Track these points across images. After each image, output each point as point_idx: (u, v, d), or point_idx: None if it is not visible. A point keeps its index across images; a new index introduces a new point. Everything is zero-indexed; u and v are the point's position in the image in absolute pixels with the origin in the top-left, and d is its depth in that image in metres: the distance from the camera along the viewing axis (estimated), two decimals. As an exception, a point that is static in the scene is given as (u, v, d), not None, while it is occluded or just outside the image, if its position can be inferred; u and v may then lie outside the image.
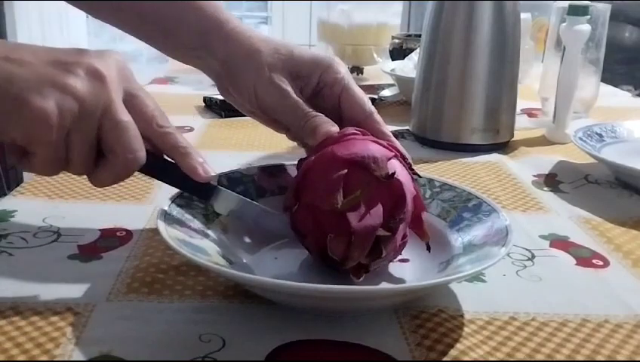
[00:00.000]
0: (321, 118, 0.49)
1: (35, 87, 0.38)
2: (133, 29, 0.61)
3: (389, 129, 0.51)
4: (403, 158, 0.46)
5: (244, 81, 0.54)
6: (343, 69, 0.53)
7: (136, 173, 0.43)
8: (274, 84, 0.51)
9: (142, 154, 0.42)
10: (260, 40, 0.54)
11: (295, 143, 0.56)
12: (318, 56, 0.54)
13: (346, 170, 0.42)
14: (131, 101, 0.42)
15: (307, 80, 0.52)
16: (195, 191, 0.46)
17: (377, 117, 0.51)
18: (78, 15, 2.50)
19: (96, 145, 0.41)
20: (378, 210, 0.41)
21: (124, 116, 0.41)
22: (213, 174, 0.45)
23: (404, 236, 0.43)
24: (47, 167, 0.41)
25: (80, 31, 2.51)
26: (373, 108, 0.52)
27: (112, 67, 0.41)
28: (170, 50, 0.60)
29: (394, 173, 0.42)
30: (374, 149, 0.43)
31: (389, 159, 0.43)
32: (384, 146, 0.45)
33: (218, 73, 0.56)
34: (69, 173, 0.42)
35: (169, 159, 0.45)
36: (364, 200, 0.41)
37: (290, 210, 0.44)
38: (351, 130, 0.46)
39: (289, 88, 0.51)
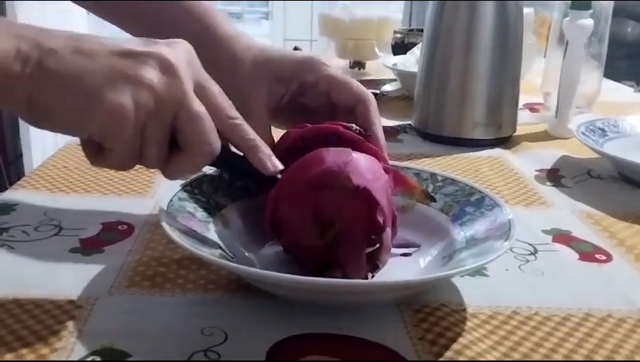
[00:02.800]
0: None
1: (109, 82, 0.37)
2: (130, 29, 0.61)
3: (378, 116, 0.51)
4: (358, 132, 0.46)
5: (224, 88, 0.55)
6: (324, 67, 0.53)
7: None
8: (244, 94, 0.52)
9: (218, 145, 0.41)
10: (244, 48, 0.55)
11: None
12: (299, 59, 0.54)
13: (313, 199, 0.40)
14: (201, 92, 0.41)
15: (287, 83, 0.53)
16: (259, 185, 0.46)
17: (366, 105, 0.51)
18: (79, 11, 2.49)
19: (170, 137, 0.40)
20: (358, 230, 0.40)
21: (199, 107, 0.40)
22: (280, 168, 0.44)
23: (394, 218, 0.43)
24: (123, 161, 0.40)
25: (81, 28, 2.50)
26: (364, 94, 0.51)
27: (182, 57, 0.40)
28: None
29: (359, 186, 0.40)
30: (330, 162, 0.41)
31: (346, 164, 0.41)
32: (340, 136, 0.44)
33: None
34: (70, 168, 0.42)
35: (236, 151, 0.44)
36: (343, 225, 0.40)
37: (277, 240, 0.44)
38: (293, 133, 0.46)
39: (255, 100, 0.52)
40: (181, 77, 0.39)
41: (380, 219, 0.40)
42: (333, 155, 0.42)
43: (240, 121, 0.43)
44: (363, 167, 0.41)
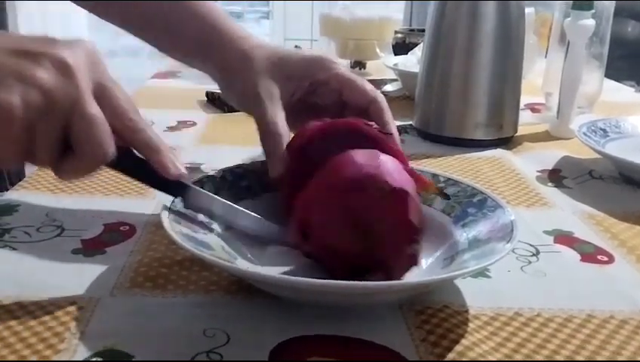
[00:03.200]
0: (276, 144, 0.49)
1: (0, 80, 0.37)
2: (135, 31, 0.62)
3: (391, 116, 0.52)
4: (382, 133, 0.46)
5: (236, 87, 0.55)
6: (336, 65, 0.54)
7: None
8: (255, 91, 0.53)
9: (111, 149, 0.40)
10: (253, 47, 0.55)
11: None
12: (310, 57, 0.55)
13: (350, 204, 0.39)
14: (102, 93, 0.41)
15: (299, 82, 0.54)
16: (164, 189, 0.45)
17: (379, 105, 0.52)
18: (79, 11, 2.49)
19: (63, 138, 0.40)
20: (400, 232, 0.40)
21: (93, 110, 0.39)
22: (183, 171, 0.44)
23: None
24: (8, 158, 0.39)
25: (81, 26, 2.51)
26: (377, 95, 0.53)
27: (80, 58, 0.40)
28: (171, 53, 0.63)
29: (395, 188, 0.39)
30: (363, 164, 0.40)
31: (379, 166, 0.40)
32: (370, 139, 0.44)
33: (216, 78, 0.58)
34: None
35: (139, 155, 0.43)
36: (383, 229, 0.39)
37: (302, 247, 0.43)
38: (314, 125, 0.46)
39: (267, 97, 0.52)
40: (77, 78, 0.39)
41: (419, 219, 0.40)
42: (363, 157, 0.41)
43: (142, 124, 0.43)
44: (393, 167, 0.41)
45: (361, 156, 0.41)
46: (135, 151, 0.43)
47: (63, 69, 0.38)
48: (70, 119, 0.39)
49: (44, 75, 0.38)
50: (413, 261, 0.41)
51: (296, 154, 0.48)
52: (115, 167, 0.43)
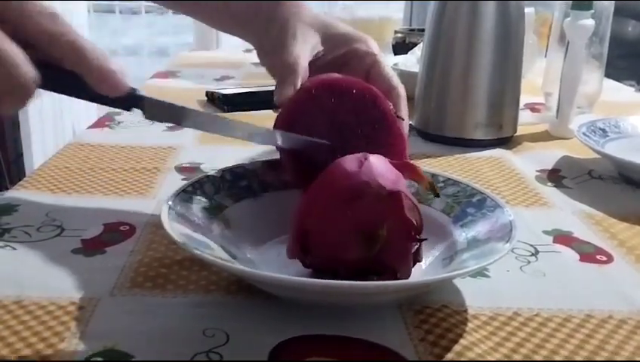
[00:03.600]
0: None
1: None
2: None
3: (406, 112, 0.55)
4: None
5: (274, 30, 0.57)
6: (375, 48, 0.56)
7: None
8: (293, 32, 0.55)
9: (28, 77, 0.37)
10: (303, 4, 0.59)
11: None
12: (354, 32, 0.58)
13: (350, 213, 0.39)
14: (8, 12, 0.38)
15: (335, 46, 0.56)
16: (113, 103, 0.43)
17: (399, 93, 0.55)
18: (79, 10, 2.49)
19: None
20: (403, 234, 0.40)
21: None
22: (124, 87, 0.40)
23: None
24: None
25: (81, 24, 2.50)
26: (400, 85, 0.55)
27: None
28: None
29: (392, 191, 0.39)
30: (356, 171, 0.40)
31: (371, 170, 0.40)
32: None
33: (253, 26, 0.60)
34: (72, 168, 0.41)
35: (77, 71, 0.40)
36: (387, 233, 0.39)
37: (302, 260, 0.43)
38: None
39: (301, 39, 0.55)
40: None
41: (417, 215, 0.40)
42: (354, 164, 0.41)
43: (69, 36, 0.39)
44: (383, 168, 0.41)
45: (350, 163, 0.41)
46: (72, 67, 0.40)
47: None
48: None
49: None
50: (417, 258, 0.42)
51: (305, 95, 0.49)
52: (52, 88, 0.40)
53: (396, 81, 0.55)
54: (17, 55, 0.37)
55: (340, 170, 0.41)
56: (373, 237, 0.39)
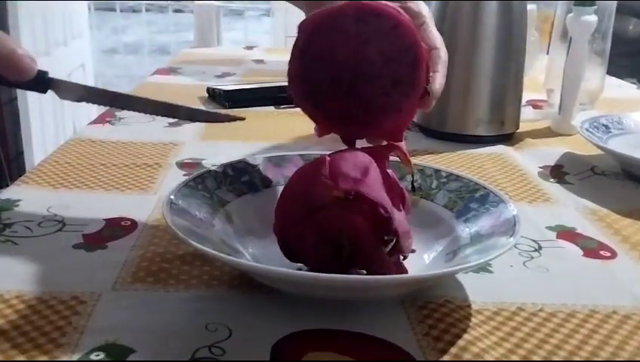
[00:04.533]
0: None
1: None
2: None
3: (444, 72, 0.50)
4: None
5: None
6: (426, 10, 0.53)
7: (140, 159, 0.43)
8: None
9: None
10: None
11: (298, 134, 0.56)
12: None
13: (314, 225, 0.39)
14: None
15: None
16: (24, 86, 0.44)
17: (440, 54, 0.51)
18: (80, 10, 2.49)
19: None
20: (368, 237, 0.38)
21: None
22: (32, 71, 0.41)
23: (403, 198, 0.42)
24: None
25: (82, 23, 2.50)
26: (443, 48, 0.51)
27: None
28: None
29: (350, 192, 0.38)
30: (313, 178, 0.39)
31: (331, 173, 0.39)
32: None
33: None
34: (73, 164, 0.41)
35: None
36: (352, 240, 0.38)
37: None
38: None
39: None
40: None
41: (385, 214, 0.39)
42: (311, 171, 0.40)
43: None
44: (347, 166, 0.39)
45: (310, 169, 0.40)
46: None
47: None
48: None
49: None
50: (398, 252, 0.40)
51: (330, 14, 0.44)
52: None
53: (440, 42, 0.52)
54: None
55: (300, 180, 0.41)
56: (339, 246, 0.39)
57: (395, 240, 0.39)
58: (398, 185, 0.42)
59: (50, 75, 0.46)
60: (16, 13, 1.96)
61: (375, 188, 0.39)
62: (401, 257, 0.41)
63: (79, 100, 0.46)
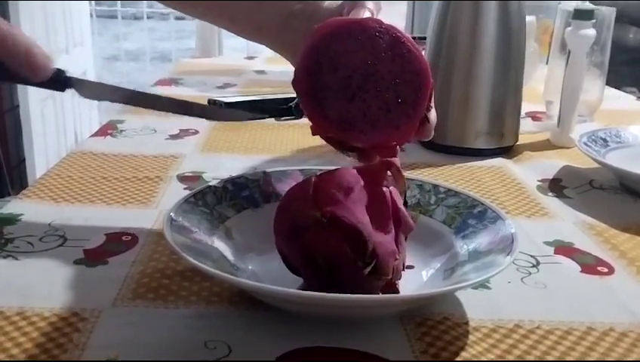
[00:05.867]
0: None
1: None
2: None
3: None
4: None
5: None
6: (365, 8, 0.53)
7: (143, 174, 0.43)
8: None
9: None
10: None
11: (299, 147, 0.56)
12: (343, 3, 0.56)
13: (299, 247, 0.40)
14: None
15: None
16: (43, 85, 0.44)
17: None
18: (82, 14, 2.50)
19: None
20: (343, 259, 0.39)
21: None
22: (48, 70, 0.41)
23: (398, 216, 0.42)
24: None
25: (84, 31, 2.51)
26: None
27: None
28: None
29: (326, 214, 0.38)
30: (294, 201, 0.41)
31: (313, 195, 0.40)
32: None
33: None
34: (74, 178, 0.41)
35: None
36: (331, 261, 0.39)
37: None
38: None
39: None
40: None
41: (360, 237, 0.38)
42: (298, 191, 0.41)
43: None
44: (331, 186, 0.40)
45: (295, 192, 0.42)
46: None
47: None
48: None
49: None
50: (378, 275, 0.40)
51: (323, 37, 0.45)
52: None
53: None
54: None
55: (290, 198, 0.42)
56: (323, 267, 0.39)
57: (374, 263, 0.39)
58: (396, 204, 0.42)
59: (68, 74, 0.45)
60: (18, 21, 1.97)
61: (353, 209, 0.39)
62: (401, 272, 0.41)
63: (98, 98, 0.47)
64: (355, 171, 0.42)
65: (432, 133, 0.49)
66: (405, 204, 0.44)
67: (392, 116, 0.44)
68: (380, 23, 0.45)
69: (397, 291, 0.41)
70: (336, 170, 0.42)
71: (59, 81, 0.45)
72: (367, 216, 0.39)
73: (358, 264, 0.39)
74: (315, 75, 0.45)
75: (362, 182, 0.41)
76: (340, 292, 0.37)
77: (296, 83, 0.45)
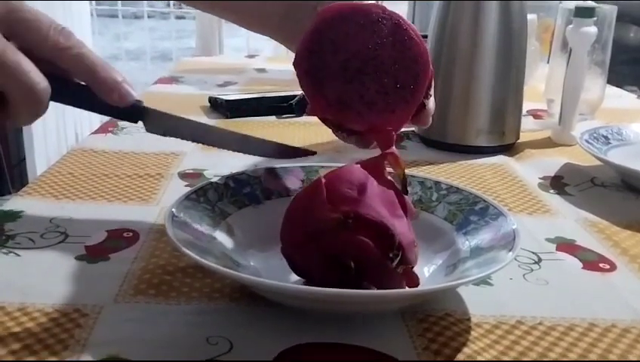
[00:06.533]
0: None
1: None
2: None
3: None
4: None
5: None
6: None
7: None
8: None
9: (40, 87, 0.38)
10: None
11: (300, 144, 0.56)
12: None
13: (320, 249, 0.39)
14: (19, 26, 0.38)
15: None
16: (119, 115, 0.44)
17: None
18: (82, 13, 2.50)
19: None
20: (373, 257, 0.39)
21: (5, 56, 0.37)
22: (132, 96, 0.41)
23: (404, 207, 0.42)
24: None
25: (85, 29, 2.51)
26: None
27: None
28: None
29: (349, 214, 0.38)
30: (311, 204, 0.40)
31: (329, 196, 0.40)
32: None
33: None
34: (75, 174, 0.41)
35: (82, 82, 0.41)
36: (357, 260, 0.39)
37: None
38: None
39: None
40: None
41: (387, 231, 0.39)
42: (308, 196, 0.41)
43: (75, 49, 0.40)
44: (343, 186, 0.40)
45: (310, 193, 0.41)
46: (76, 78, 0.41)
47: None
48: None
49: None
50: (404, 265, 0.40)
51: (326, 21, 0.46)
52: (61, 100, 0.41)
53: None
54: (28, 65, 0.38)
55: (300, 205, 0.41)
56: (347, 267, 0.39)
57: (400, 254, 0.39)
58: (400, 193, 0.42)
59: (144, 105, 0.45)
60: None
61: (374, 205, 0.39)
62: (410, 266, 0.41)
63: (164, 134, 0.46)
64: (359, 166, 0.42)
65: (430, 120, 0.49)
66: (406, 191, 0.45)
67: (390, 100, 0.45)
68: (384, 9, 0.45)
69: (417, 280, 0.41)
70: (340, 168, 0.42)
71: (135, 112, 0.45)
72: (385, 209, 0.40)
73: (386, 258, 0.39)
74: (315, 56, 0.45)
75: (371, 178, 0.41)
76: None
77: (296, 63, 0.45)
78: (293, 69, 0.45)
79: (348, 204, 0.39)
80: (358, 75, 0.44)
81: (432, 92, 0.47)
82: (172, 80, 1.14)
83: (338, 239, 0.39)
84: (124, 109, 0.42)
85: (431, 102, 0.48)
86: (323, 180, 0.41)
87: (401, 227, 0.40)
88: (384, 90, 0.44)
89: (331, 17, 0.45)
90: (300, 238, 0.40)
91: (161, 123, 0.45)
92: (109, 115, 0.44)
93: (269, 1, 0.61)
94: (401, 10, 1.29)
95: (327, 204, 0.39)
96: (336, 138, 0.50)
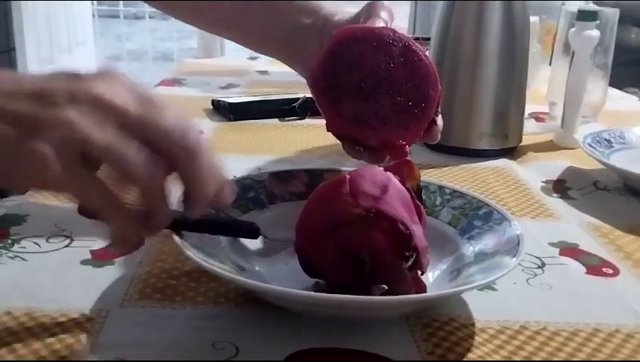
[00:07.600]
0: None
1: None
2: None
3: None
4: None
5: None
6: (380, 18, 0.55)
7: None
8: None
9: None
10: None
11: (303, 147, 0.57)
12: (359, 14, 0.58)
13: (335, 242, 0.40)
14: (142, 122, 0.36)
15: None
16: (231, 233, 0.45)
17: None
18: (84, 14, 2.50)
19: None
20: (389, 254, 0.39)
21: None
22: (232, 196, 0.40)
23: (418, 211, 0.43)
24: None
25: (86, 31, 2.52)
26: None
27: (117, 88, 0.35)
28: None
29: (370, 210, 0.39)
30: (333, 198, 0.41)
31: (350, 191, 0.40)
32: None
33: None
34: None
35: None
36: (373, 257, 0.39)
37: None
38: None
39: None
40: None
41: (405, 231, 0.39)
42: (331, 190, 0.41)
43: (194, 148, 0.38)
44: (366, 184, 0.41)
45: (328, 189, 0.42)
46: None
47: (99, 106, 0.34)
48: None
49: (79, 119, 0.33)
50: (418, 267, 0.41)
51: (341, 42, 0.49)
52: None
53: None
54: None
55: (321, 198, 0.42)
56: (361, 262, 0.39)
57: (415, 256, 0.40)
58: (416, 201, 0.43)
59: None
60: (20, 21, 1.98)
61: (394, 205, 0.40)
62: (419, 272, 0.42)
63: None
64: (382, 170, 0.43)
65: (439, 136, 0.52)
66: (421, 200, 0.45)
67: (402, 117, 0.48)
68: (394, 31, 0.48)
69: (425, 286, 0.41)
70: (364, 169, 0.43)
71: (253, 230, 0.45)
72: (404, 211, 0.41)
73: (401, 257, 0.39)
74: (330, 76, 0.48)
75: (393, 180, 0.42)
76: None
77: (313, 82, 0.48)
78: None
79: (370, 200, 0.40)
80: (373, 93, 0.47)
81: (439, 110, 0.50)
82: (174, 82, 1.14)
83: (357, 234, 0.39)
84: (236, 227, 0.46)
85: (439, 120, 0.51)
86: (347, 176, 0.42)
87: (417, 231, 0.41)
88: (397, 107, 0.47)
89: (346, 40, 0.48)
90: (318, 230, 0.41)
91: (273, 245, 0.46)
92: (224, 234, 0.46)
93: (274, 22, 0.61)
94: (403, 10, 1.29)
95: (349, 199, 0.40)
96: (340, 141, 0.50)
